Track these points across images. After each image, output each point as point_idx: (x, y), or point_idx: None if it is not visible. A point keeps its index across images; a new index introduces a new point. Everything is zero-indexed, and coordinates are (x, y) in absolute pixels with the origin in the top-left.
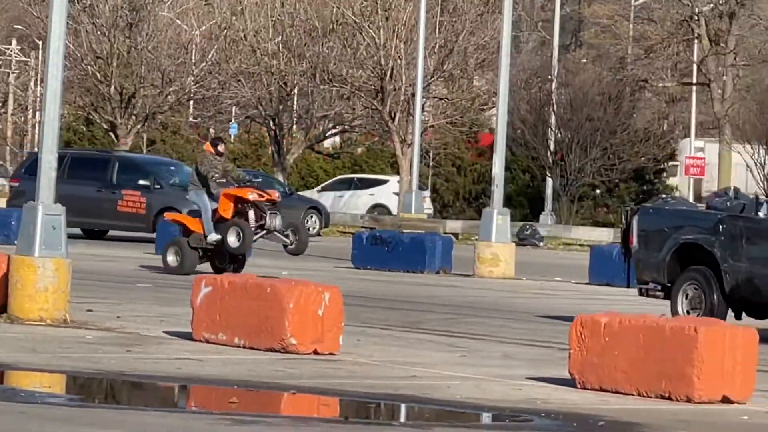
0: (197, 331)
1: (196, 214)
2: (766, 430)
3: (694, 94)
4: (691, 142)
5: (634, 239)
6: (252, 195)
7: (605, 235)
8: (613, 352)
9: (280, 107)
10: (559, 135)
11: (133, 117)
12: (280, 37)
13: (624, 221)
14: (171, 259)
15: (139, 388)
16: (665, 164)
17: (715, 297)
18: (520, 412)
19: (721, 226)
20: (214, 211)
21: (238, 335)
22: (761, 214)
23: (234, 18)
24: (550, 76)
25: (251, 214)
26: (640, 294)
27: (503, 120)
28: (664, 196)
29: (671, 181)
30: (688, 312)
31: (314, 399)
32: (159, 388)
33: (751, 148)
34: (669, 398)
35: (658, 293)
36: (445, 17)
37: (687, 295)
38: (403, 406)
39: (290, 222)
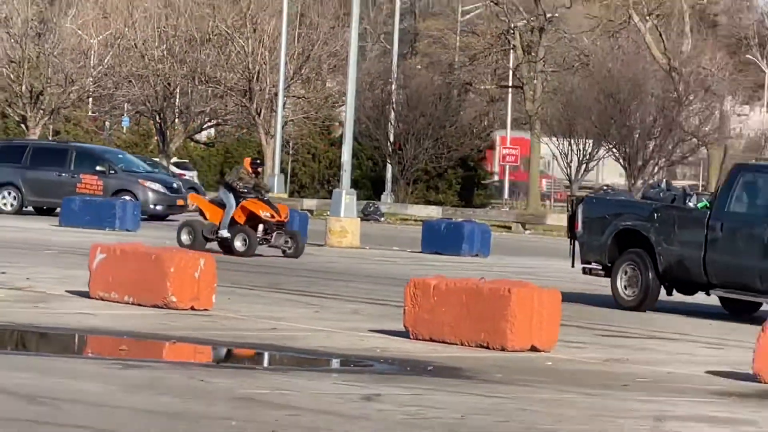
0: (93, 290)
1: (218, 204)
2: (566, 373)
3: (510, 95)
4: (507, 134)
5: (579, 225)
6: (264, 213)
7: (435, 212)
8: (441, 309)
9: (165, 104)
10: (397, 128)
11: (41, 111)
12: (164, 45)
13: (569, 209)
14: (185, 238)
15: (45, 337)
16: (485, 153)
17: (650, 276)
18: (363, 358)
19: (656, 214)
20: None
21: (127, 294)
22: (691, 204)
23: (126, 29)
24: (390, 80)
25: (260, 227)
26: (584, 273)
27: (351, 116)
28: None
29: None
30: (626, 290)
31: (191, 347)
32: (62, 338)
33: (557, 140)
34: (487, 347)
35: (600, 272)
36: (303, 30)
37: (625, 274)
38: (266, 353)
39: (291, 232)
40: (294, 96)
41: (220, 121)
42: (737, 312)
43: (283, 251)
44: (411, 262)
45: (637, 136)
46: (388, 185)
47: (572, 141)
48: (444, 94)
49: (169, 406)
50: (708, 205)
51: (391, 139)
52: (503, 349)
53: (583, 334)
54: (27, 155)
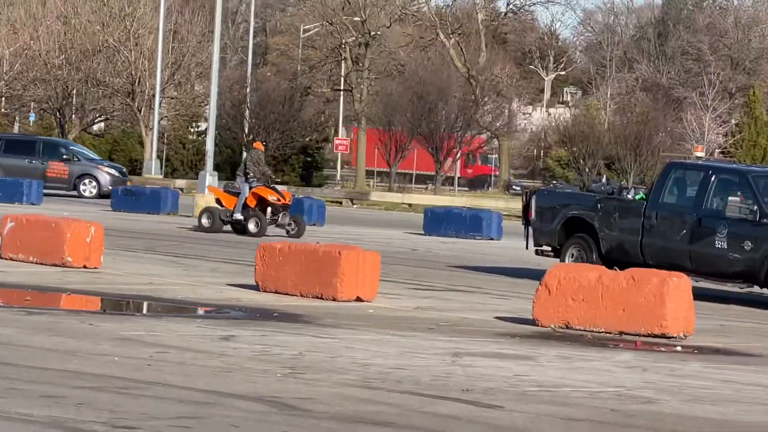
0: (5, 252)
1: (231, 193)
2: (384, 319)
3: (341, 97)
4: (339, 129)
5: (533, 213)
6: (272, 198)
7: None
8: (285, 267)
9: (64, 103)
10: (251, 123)
11: None
12: (63, 55)
13: (524, 199)
14: (204, 221)
15: None
16: (322, 143)
17: (594, 257)
18: (222, 306)
19: (599, 205)
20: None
21: (32, 255)
22: (629, 196)
23: (32, 42)
24: (245, 84)
25: (269, 210)
26: (537, 254)
27: (213, 113)
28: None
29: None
30: None
31: (83, 298)
32: None
33: (378, 132)
34: (321, 298)
35: (550, 253)
36: (175, 44)
37: (572, 255)
38: (144, 303)
39: (294, 216)
40: (168, 97)
41: (108, 116)
42: None
43: (287, 231)
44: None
45: (443, 130)
46: None
47: (390, 133)
48: (288, 96)
49: (64, 344)
50: (644, 196)
51: (246, 131)
52: (335, 300)
53: (399, 288)
54: (1, 146)
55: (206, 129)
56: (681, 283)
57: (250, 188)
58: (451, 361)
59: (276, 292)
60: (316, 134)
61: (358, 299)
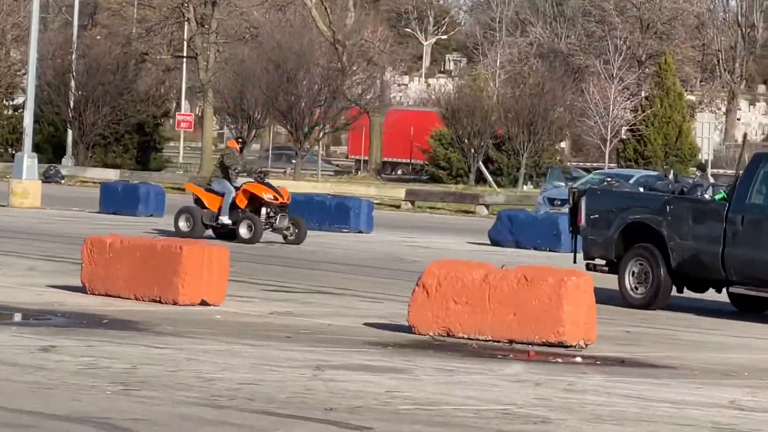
0: None
1: (214, 192)
2: (233, 326)
3: (184, 65)
4: (182, 102)
5: (582, 218)
6: (267, 196)
7: (113, 174)
8: (116, 265)
9: None
10: (77, 96)
11: None
12: None
13: (571, 202)
14: (182, 224)
15: None
16: (161, 120)
17: (662, 272)
18: (41, 312)
19: (668, 207)
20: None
21: None
22: (707, 196)
23: None
24: (71, 50)
25: (263, 211)
26: (588, 268)
27: (32, 83)
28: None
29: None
30: (635, 287)
31: None
32: None
33: (227, 106)
34: (160, 302)
35: (604, 268)
36: None
37: (634, 270)
38: None
39: (293, 218)
40: None
41: None
42: (748, 309)
43: (284, 237)
44: (89, 221)
45: (304, 104)
46: (69, 149)
47: (242, 108)
48: (122, 63)
49: None
50: (726, 196)
51: (72, 105)
52: (175, 303)
53: (252, 289)
54: None
55: (24, 102)
56: (581, 283)
57: (236, 187)
58: (311, 375)
59: (106, 295)
60: (154, 109)
61: (203, 303)
